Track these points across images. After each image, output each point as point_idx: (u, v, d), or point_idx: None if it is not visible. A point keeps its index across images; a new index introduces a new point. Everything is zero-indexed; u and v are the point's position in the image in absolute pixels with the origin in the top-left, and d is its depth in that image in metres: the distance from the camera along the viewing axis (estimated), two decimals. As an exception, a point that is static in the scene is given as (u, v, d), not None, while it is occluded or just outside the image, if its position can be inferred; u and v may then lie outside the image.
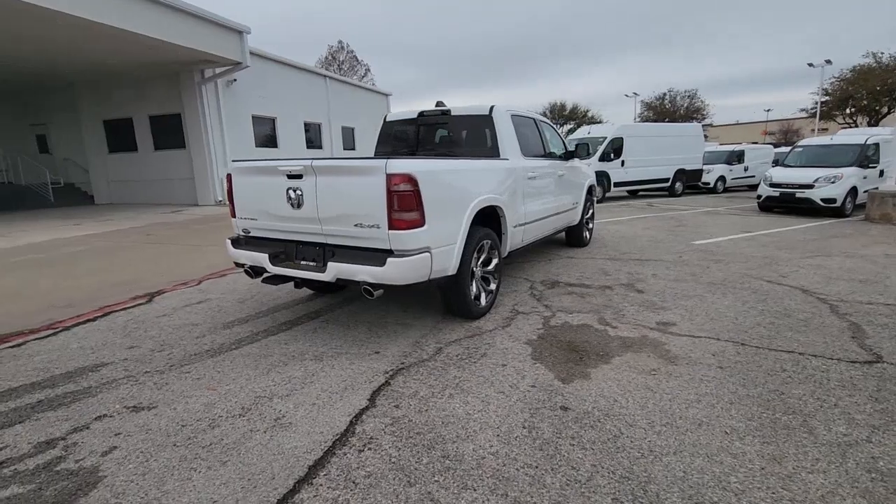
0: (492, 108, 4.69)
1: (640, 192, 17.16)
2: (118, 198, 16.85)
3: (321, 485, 1.99)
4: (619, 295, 4.60)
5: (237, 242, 3.92)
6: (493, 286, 4.21)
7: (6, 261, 6.83)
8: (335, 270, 3.27)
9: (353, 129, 24.03)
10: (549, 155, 5.62)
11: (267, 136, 17.92)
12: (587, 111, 51.56)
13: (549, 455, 2.16)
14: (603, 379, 2.89)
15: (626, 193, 17.05)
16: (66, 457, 2.23)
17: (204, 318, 4.16)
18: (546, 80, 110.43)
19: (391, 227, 3.10)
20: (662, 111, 46.87)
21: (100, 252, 7.31)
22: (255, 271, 3.79)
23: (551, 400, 2.65)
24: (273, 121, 18.14)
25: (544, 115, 59.23)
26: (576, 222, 6.65)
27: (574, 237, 6.93)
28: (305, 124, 20.04)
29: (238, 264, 3.87)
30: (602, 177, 14.40)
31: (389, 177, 3.03)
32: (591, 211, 7.20)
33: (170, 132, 15.51)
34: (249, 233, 3.89)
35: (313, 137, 20.77)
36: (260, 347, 3.49)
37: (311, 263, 3.53)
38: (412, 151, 5.15)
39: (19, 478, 2.08)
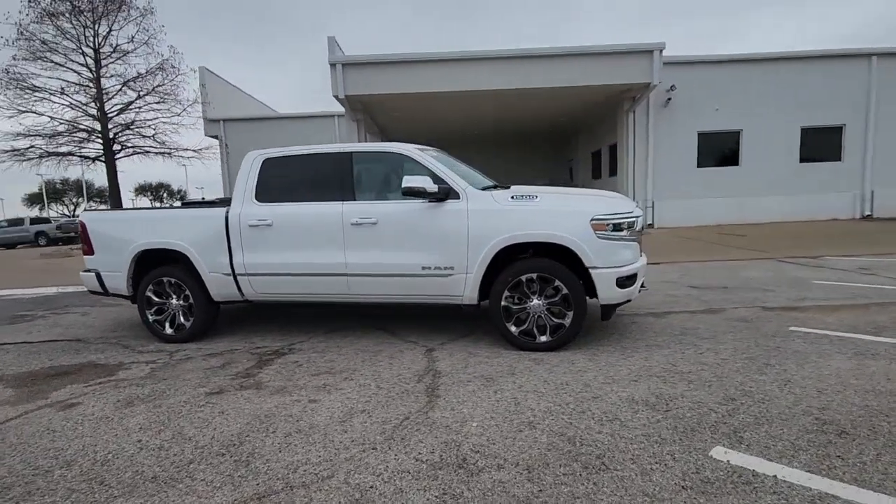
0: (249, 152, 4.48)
1: None
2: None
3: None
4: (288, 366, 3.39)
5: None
6: (188, 322, 4.55)
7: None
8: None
9: (937, 125, 15.10)
10: (348, 198, 4.10)
11: (721, 153, 15.36)
12: None
13: None
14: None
15: None
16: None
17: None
18: None
19: (83, 251, 4.90)
20: None
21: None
22: None
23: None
24: (737, 134, 15.19)
25: None
26: (464, 299, 3.85)
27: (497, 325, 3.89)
28: (804, 130, 15.06)
29: None
30: None
31: (79, 221, 4.87)
32: (561, 290, 3.64)
33: (615, 159, 16.70)
34: None
35: (823, 146, 15.19)
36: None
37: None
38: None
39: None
